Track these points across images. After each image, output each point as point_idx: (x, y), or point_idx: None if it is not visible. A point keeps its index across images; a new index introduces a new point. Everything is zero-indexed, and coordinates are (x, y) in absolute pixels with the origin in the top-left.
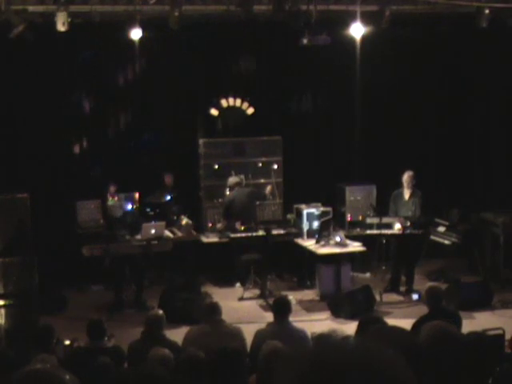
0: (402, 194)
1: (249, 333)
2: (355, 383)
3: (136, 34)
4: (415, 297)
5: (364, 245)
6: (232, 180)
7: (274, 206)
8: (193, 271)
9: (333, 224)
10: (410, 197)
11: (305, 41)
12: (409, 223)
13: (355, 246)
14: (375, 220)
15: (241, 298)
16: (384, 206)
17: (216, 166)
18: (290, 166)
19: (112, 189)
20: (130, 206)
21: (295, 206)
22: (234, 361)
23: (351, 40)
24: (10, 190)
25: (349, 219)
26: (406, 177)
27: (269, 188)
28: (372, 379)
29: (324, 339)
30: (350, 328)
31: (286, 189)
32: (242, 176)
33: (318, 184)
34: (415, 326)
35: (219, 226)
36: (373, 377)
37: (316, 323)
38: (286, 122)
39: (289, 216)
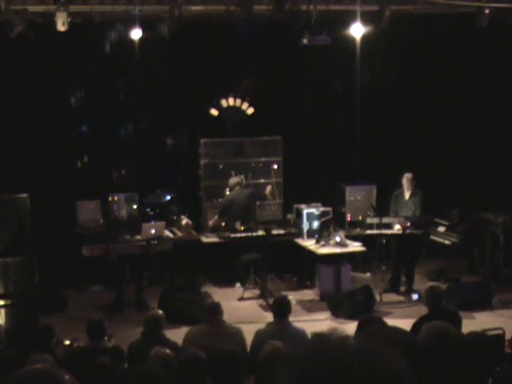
0: (402, 194)
1: (249, 333)
2: (355, 383)
3: (136, 33)
4: (415, 297)
5: (364, 245)
6: (232, 180)
7: (274, 205)
8: (193, 271)
9: (333, 224)
10: (411, 196)
11: (305, 41)
12: (409, 223)
13: (355, 246)
14: (375, 220)
15: (241, 298)
16: (384, 206)
17: (221, 166)
18: (289, 166)
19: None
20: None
21: (295, 205)
22: (230, 363)
23: (351, 40)
24: (10, 189)
25: (349, 219)
26: (405, 180)
27: (269, 188)
28: (372, 379)
29: (324, 339)
30: (350, 328)
31: (286, 189)
32: (242, 176)
33: (318, 184)
34: (415, 326)
35: (211, 222)
36: (373, 376)
37: (316, 323)
38: (286, 122)
39: (289, 216)
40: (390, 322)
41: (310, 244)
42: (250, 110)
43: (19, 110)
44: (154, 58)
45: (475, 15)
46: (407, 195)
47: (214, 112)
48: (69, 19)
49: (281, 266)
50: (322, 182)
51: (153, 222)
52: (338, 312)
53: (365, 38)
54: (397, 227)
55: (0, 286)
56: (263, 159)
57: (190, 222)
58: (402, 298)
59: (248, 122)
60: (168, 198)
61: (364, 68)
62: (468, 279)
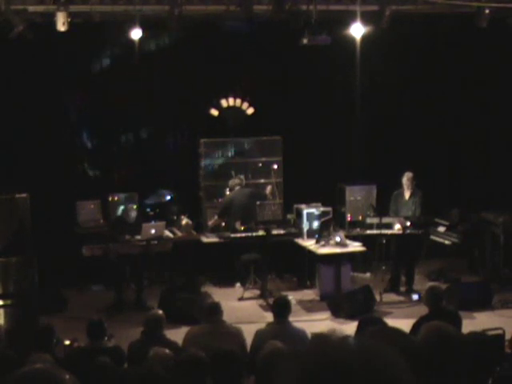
0: (402, 194)
1: (249, 333)
2: (356, 383)
3: (136, 33)
4: (415, 297)
5: (364, 245)
6: (233, 181)
7: (274, 206)
8: (193, 271)
9: (333, 224)
10: (411, 196)
11: (305, 41)
12: (409, 223)
13: (355, 246)
14: (375, 220)
15: (241, 298)
16: (384, 206)
17: (219, 166)
18: (289, 166)
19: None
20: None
21: (295, 205)
22: (230, 363)
23: (351, 40)
24: (10, 189)
25: (349, 219)
26: (406, 179)
27: (269, 188)
28: (372, 379)
29: (324, 339)
30: (350, 328)
31: (286, 189)
32: (242, 176)
33: (318, 184)
34: (415, 326)
35: (211, 222)
36: (373, 377)
37: (316, 323)
38: (286, 122)
39: (289, 216)
40: (390, 322)
41: (309, 244)
42: (250, 110)
43: (19, 110)
44: (154, 58)
45: (475, 15)
46: (407, 195)
47: (214, 112)
48: (69, 19)
49: (281, 266)
50: (322, 182)
51: (153, 222)
52: (338, 312)
53: (365, 38)
54: (397, 227)
55: (0, 286)
56: (263, 159)
57: (190, 222)
58: (401, 298)
59: (248, 121)
60: (168, 197)
61: (364, 68)
62: (468, 279)
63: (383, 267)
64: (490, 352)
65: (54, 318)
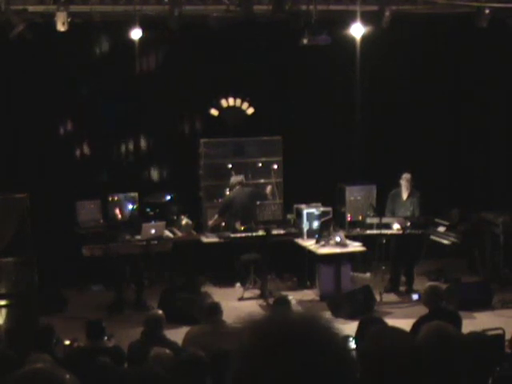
0: (400, 194)
1: None
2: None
3: (136, 33)
4: (415, 297)
5: (364, 245)
6: (233, 180)
7: (274, 205)
8: (193, 271)
9: (333, 224)
10: (408, 197)
11: (305, 41)
12: (408, 223)
13: (355, 246)
14: (375, 220)
15: (241, 298)
16: (384, 206)
17: (229, 166)
18: (289, 166)
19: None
20: (130, 206)
21: (295, 206)
22: (230, 363)
23: (351, 40)
24: (10, 189)
25: (349, 219)
26: (404, 181)
27: (269, 188)
28: (311, 349)
29: (274, 311)
30: (350, 328)
31: (286, 189)
32: (242, 176)
33: (318, 184)
34: (415, 326)
35: (211, 222)
36: (313, 347)
37: None
38: (286, 122)
39: (289, 216)
40: (390, 322)
41: (310, 244)
42: (250, 110)
43: (19, 110)
44: (154, 58)
45: (475, 15)
46: (405, 195)
47: (214, 112)
48: (69, 19)
49: (281, 266)
50: (322, 182)
51: (153, 222)
52: (337, 312)
53: (365, 38)
54: (396, 227)
55: (0, 286)
56: (263, 159)
57: (190, 222)
58: (401, 298)
59: (248, 121)
60: (168, 197)
61: (364, 68)
62: (468, 279)
63: (383, 267)
64: (490, 352)
65: (53, 318)
